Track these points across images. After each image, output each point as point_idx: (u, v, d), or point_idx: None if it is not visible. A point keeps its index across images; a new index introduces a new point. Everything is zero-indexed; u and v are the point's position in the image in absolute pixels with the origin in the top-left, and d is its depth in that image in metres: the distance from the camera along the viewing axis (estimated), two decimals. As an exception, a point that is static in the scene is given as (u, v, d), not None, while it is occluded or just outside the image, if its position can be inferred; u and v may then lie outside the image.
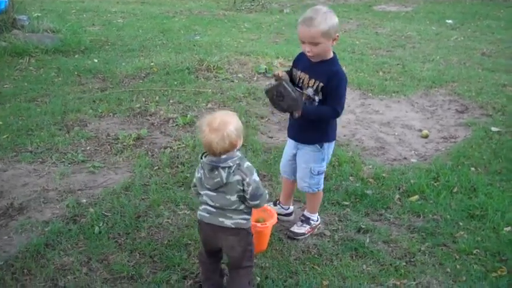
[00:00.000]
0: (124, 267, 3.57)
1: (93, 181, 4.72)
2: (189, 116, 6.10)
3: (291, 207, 4.28)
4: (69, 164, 5.01)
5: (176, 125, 5.95)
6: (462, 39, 10.35)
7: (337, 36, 3.53)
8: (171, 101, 6.61)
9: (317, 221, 4.08)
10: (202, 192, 3.11)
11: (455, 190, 4.64)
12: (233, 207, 3.04)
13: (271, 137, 5.79)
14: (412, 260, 3.72)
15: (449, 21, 12.36)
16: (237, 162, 2.98)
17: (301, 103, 3.57)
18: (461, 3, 15.48)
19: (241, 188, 2.99)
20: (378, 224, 4.17)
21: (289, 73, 3.79)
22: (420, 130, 6.11)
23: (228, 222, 3.07)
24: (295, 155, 3.97)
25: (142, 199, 4.42)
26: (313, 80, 3.62)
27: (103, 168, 5.00)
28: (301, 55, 3.75)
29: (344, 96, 3.68)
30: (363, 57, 9.02)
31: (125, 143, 5.46)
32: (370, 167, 5.12)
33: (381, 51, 9.66)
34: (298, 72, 3.73)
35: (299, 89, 3.69)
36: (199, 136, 2.93)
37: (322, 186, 3.98)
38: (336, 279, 3.51)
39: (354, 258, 3.73)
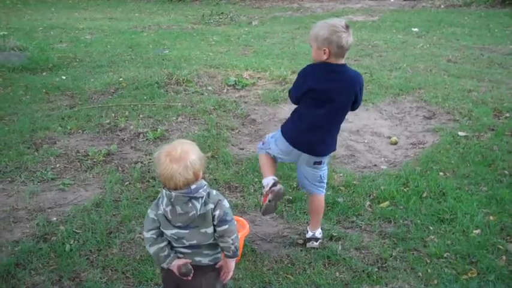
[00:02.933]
0: (96, 284, 3.54)
1: (63, 198, 4.68)
2: (159, 130, 6.08)
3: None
4: (38, 182, 4.96)
5: (146, 139, 5.93)
6: (428, 47, 10.51)
7: (325, 50, 3.49)
8: (141, 116, 6.58)
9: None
10: (169, 233, 2.71)
11: (424, 195, 4.71)
12: (210, 241, 2.74)
13: (242, 149, 5.80)
14: (384, 265, 3.76)
15: (415, 29, 12.55)
16: (207, 190, 2.70)
17: None
18: (427, 11, 15.73)
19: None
20: (350, 231, 4.21)
21: None
22: (389, 137, 6.19)
23: (205, 261, 2.78)
24: None
25: (114, 215, 4.40)
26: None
27: (73, 185, 4.96)
28: None
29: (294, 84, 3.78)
30: (331, 67, 9.08)
31: (94, 159, 5.42)
32: (341, 175, 5.17)
33: (349, 60, 9.73)
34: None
35: None
36: (157, 169, 2.62)
37: (267, 142, 4.00)
38: (309, 287, 3.53)
39: (326, 266, 3.75)
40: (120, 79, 8.03)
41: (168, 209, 2.64)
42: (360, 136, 6.24)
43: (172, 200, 2.61)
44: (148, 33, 12.51)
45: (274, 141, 3.88)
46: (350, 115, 6.79)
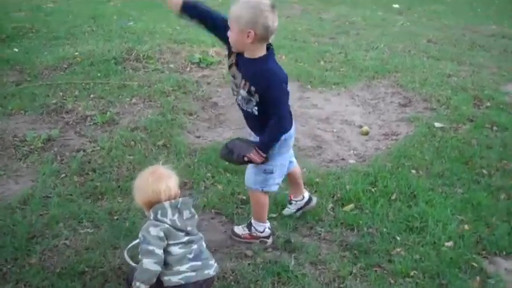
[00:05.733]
0: (3, 304, 3.03)
1: (-13, 193, 4.14)
2: (108, 113, 5.52)
3: (305, 195, 3.96)
4: (-38, 172, 4.41)
5: (94, 123, 5.37)
6: (408, 25, 10.00)
7: (249, 33, 3.05)
8: (91, 96, 6.01)
9: (262, 232, 3.65)
10: (181, 241, 2.75)
11: (393, 197, 4.24)
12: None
13: (199, 137, 5.27)
14: (341, 285, 3.29)
15: (396, 5, 12.02)
16: None
17: (249, 146, 3.34)
18: (410, -13, 15.18)
19: None
20: (307, 240, 3.72)
21: (222, 18, 3.30)
22: (360, 126, 5.70)
23: (211, 271, 2.84)
24: None
25: (41, 215, 3.86)
26: (244, 81, 3.22)
27: (2, 176, 4.41)
28: None
29: (282, 100, 3.22)
30: (304, 45, 8.55)
31: (32, 146, 4.86)
32: (304, 170, 4.65)
33: (324, 38, 9.21)
34: (234, 66, 3.32)
35: (235, 85, 3.35)
36: (147, 191, 2.78)
37: (272, 188, 3.57)
38: (252, 313, 3.05)
39: (275, 285, 3.26)
40: (76, 53, 7.40)
41: (176, 217, 2.74)
42: (329, 124, 5.73)
43: (179, 206, 2.76)
44: (115, 2, 11.82)
45: (279, 156, 3.46)
46: (320, 100, 6.34)
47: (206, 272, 2.78)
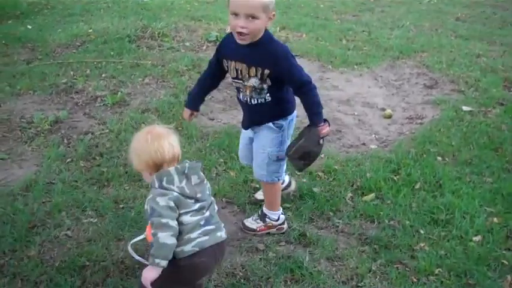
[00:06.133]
0: (-2, 301, 2.85)
1: (-11, 178, 3.96)
2: (119, 94, 5.30)
3: (285, 178, 3.71)
4: (-36, 156, 4.23)
5: (104, 104, 5.17)
6: (435, 2, 9.60)
7: (274, 15, 2.93)
8: (103, 75, 5.80)
9: (277, 220, 3.44)
10: (192, 209, 2.44)
11: (417, 186, 3.96)
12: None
13: (212, 119, 5.03)
14: (359, 284, 3.03)
15: (423, -19, 11.56)
16: None
17: (307, 136, 3.12)
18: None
19: None
20: (324, 232, 3.47)
21: (213, 66, 3.27)
22: (383, 109, 5.40)
23: (223, 233, 2.58)
24: (252, 139, 3.34)
25: (43, 202, 3.67)
26: (254, 69, 2.99)
27: (6, 160, 4.23)
28: (226, 41, 3.16)
29: (300, 68, 3.03)
30: (326, 23, 8.22)
31: (39, 128, 4.68)
32: (322, 156, 4.39)
33: (347, 15, 8.87)
34: (232, 63, 3.08)
35: (241, 81, 3.10)
36: (145, 153, 2.45)
37: (283, 176, 3.41)
38: (262, 314, 2.83)
39: (288, 283, 3.02)
40: (90, 30, 7.22)
41: (184, 183, 2.43)
42: (350, 107, 5.45)
43: (186, 171, 2.45)
44: (133, -22, 11.55)
45: (288, 140, 3.28)
46: (341, 81, 6.05)
47: (218, 234, 2.52)
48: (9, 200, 3.67)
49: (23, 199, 3.68)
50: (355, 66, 6.34)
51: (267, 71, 2.94)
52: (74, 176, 3.98)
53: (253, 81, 3.01)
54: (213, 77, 3.33)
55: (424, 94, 5.71)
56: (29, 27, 7.61)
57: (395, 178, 4.05)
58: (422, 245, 3.35)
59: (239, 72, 3.05)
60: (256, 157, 3.28)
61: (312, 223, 3.56)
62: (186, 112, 3.43)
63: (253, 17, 2.83)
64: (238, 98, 3.24)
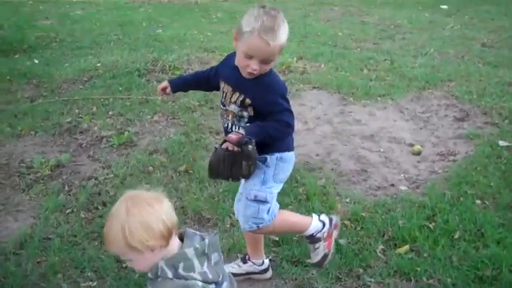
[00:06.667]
0: None
1: (-20, 235, 3.59)
2: (126, 133, 4.94)
3: (265, 261, 3.16)
4: (-44, 207, 3.88)
5: (110, 145, 4.81)
6: (459, 28, 9.19)
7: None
8: (110, 113, 5.46)
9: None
10: None
11: (456, 236, 3.51)
12: None
13: (226, 160, 4.62)
14: None
15: (444, 6, 11.20)
16: None
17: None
18: (456, -15, 14.31)
19: None
20: (354, 295, 3.04)
21: (213, 74, 2.88)
22: (411, 144, 4.97)
23: None
24: None
25: (38, 262, 3.28)
26: (237, 94, 2.62)
27: (1, 212, 3.86)
28: (228, 61, 2.74)
29: (286, 107, 2.61)
30: (345, 52, 7.84)
31: (38, 174, 4.32)
32: (347, 200, 4.00)
33: (367, 43, 8.48)
34: (223, 84, 2.72)
35: (224, 107, 2.75)
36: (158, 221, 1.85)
37: (267, 221, 2.75)
38: None
39: None
40: (98, 64, 6.91)
41: (205, 267, 1.89)
42: (375, 143, 5.03)
43: (206, 250, 1.90)
44: (146, 8, 11.35)
45: (274, 181, 2.77)
46: (364, 115, 5.65)
47: None
48: (0, 260, 3.29)
49: (16, 258, 3.30)
50: (378, 98, 5.93)
51: (248, 100, 2.58)
52: (73, 229, 3.60)
53: (233, 107, 2.65)
54: (208, 79, 2.93)
55: (455, 127, 5.28)
56: (36, 61, 7.33)
57: (431, 226, 3.61)
58: (468, 310, 2.90)
59: (224, 95, 2.70)
60: (240, 204, 2.87)
61: (339, 283, 3.13)
62: (164, 84, 2.99)
63: (268, 62, 2.50)
64: (223, 127, 2.83)
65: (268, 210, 2.74)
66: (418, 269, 3.21)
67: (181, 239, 1.95)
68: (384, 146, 4.97)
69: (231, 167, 2.59)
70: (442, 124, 5.38)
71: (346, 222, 3.67)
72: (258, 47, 2.43)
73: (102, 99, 5.76)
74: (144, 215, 1.83)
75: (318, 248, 2.98)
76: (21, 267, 3.21)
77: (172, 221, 1.88)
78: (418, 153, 4.82)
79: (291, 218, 3.00)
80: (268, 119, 2.58)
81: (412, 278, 3.16)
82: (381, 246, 3.44)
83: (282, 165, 2.75)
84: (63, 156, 4.56)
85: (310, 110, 5.61)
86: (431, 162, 4.69)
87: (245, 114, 2.63)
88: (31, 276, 3.13)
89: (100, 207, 3.85)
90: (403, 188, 4.26)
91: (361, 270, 3.22)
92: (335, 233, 3.05)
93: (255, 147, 2.54)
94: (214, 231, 2.08)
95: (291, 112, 2.61)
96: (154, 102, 5.67)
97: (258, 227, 2.75)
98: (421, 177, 4.43)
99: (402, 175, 4.48)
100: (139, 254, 1.83)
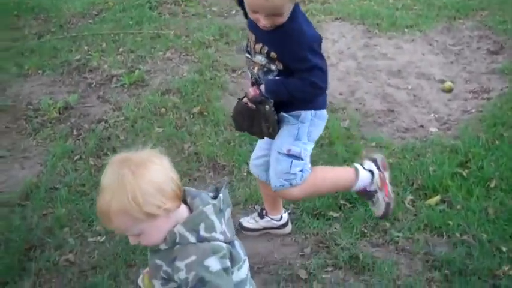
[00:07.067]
0: None
1: (-17, 184, 3.41)
2: (137, 72, 4.67)
3: (284, 215, 2.92)
4: (-42, 155, 3.69)
5: (120, 85, 4.56)
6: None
7: None
8: (120, 50, 5.17)
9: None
10: (243, 258, 1.74)
11: (492, 185, 3.24)
12: None
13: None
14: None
15: None
16: None
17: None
18: None
19: None
20: (380, 252, 2.81)
21: None
22: (442, 81, 4.63)
23: None
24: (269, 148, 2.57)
25: (44, 215, 3.10)
26: (260, 44, 2.30)
27: (7, 159, 3.68)
28: None
29: (314, 64, 2.24)
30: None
31: (46, 117, 4.13)
32: (373, 145, 3.73)
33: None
34: (247, 29, 2.39)
35: (249, 56, 2.41)
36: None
37: (300, 178, 2.45)
38: None
39: (339, 328, 2.40)
40: (108, -4, 6.53)
41: (224, 225, 1.66)
42: (402, 79, 4.69)
43: (222, 206, 1.67)
44: None
45: (308, 139, 2.47)
46: (390, 48, 5.29)
47: None
48: (5, 213, 3.11)
49: (21, 211, 3.13)
50: (405, 30, 5.53)
51: (273, 54, 2.27)
52: (81, 178, 3.40)
53: (259, 59, 2.33)
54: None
55: (488, 61, 4.90)
56: (45, -7, 6.96)
57: (464, 174, 3.34)
58: (506, 268, 2.66)
59: (249, 42, 2.39)
60: (270, 160, 2.53)
61: (365, 238, 2.90)
62: None
63: (276, 15, 2.13)
64: (250, 81, 2.49)
65: (302, 168, 2.45)
66: (451, 222, 2.96)
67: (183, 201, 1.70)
68: (412, 82, 4.64)
69: (252, 122, 2.33)
70: (475, 58, 4.99)
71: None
72: (256, 2, 2.10)
73: (111, 35, 5.45)
74: (154, 175, 1.57)
75: (376, 200, 2.69)
76: (27, 221, 3.04)
77: (178, 178, 1.64)
78: (449, 91, 4.49)
79: (330, 173, 2.67)
80: (295, 75, 2.27)
81: (444, 233, 2.92)
82: (409, 197, 3.19)
83: (317, 122, 2.45)
84: (72, 97, 4.32)
85: (333, 44, 5.25)
86: (464, 100, 4.37)
87: (273, 67, 2.31)
88: (36, 230, 2.97)
89: (109, 153, 3.63)
90: (433, 129, 3.97)
91: (388, 224, 2.98)
92: (387, 175, 2.70)
93: (272, 108, 2.28)
94: (223, 182, 1.81)
95: (321, 69, 2.25)
96: (167, 37, 5.35)
97: (290, 184, 2.45)
98: (452, 118, 4.12)
99: (432, 115, 4.18)
100: (153, 221, 1.57)
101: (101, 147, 3.71)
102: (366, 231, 2.94)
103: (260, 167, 2.69)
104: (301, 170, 2.44)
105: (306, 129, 2.43)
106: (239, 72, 4.73)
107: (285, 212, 2.93)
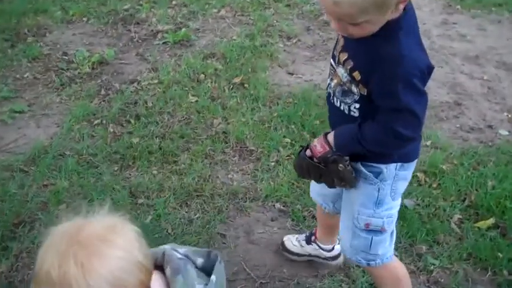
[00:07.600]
0: None
1: (-4, 140, 3.19)
2: (184, 30, 4.30)
3: (337, 247, 2.43)
4: (-25, 105, 3.48)
5: (163, 42, 4.20)
6: None
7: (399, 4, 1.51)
8: (173, 2, 4.80)
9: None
10: None
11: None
12: None
13: (291, 73, 3.91)
14: None
15: None
16: None
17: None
18: None
19: None
20: (414, 276, 2.37)
21: None
22: (525, 73, 4.01)
23: None
24: None
25: (44, 185, 2.84)
26: (345, 55, 1.72)
27: (25, 114, 3.43)
28: None
29: (405, 106, 1.60)
30: None
31: (77, 71, 3.84)
32: (428, 144, 3.23)
33: None
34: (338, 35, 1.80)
35: (333, 62, 1.81)
36: None
37: (388, 257, 2.00)
38: None
39: None
40: None
41: None
42: (479, 67, 4.09)
43: None
44: None
45: (392, 198, 1.89)
46: (471, 29, 4.67)
47: None
48: (5, 177, 2.86)
49: (22, 178, 2.86)
50: (492, 9, 4.85)
51: (357, 74, 1.67)
52: (94, 146, 3.11)
53: (341, 72, 1.74)
54: None
55: None
56: None
57: (529, 195, 2.81)
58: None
59: (337, 45, 1.80)
60: (342, 212, 2.03)
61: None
62: None
63: (353, 23, 1.53)
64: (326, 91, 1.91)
65: (385, 242, 1.95)
66: (500, 255, 2.48)
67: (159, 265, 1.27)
68: (490, 72, 4.04)
69: (320, 177, 1.85)
70: None
71: (419, 174, 2.93)
72: (324, 3, 1.53)
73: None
74: (109, 267, 1.07)
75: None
76: (23, 190, 2.78)
77: (149, 255, 1.16)
78: (531, 86, 3.88)
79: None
80: (376, 115, 1.68)
81: (489, 268, 2.44)
82: (457, 215, 2.71)
83: (403, 174, 1.87)
84: (108, 51, 4.01)
85: (406, 17, 4.67)
86: (546, 99, 3.75)
87: (355, 90, 1.70)
88: (31, 203, 2.70)
89: (132, 121, 3.32)
90: (503, 132, 3.41)
91: (424, 248, 2.53)
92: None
93: (348, 167, 1.76)
94: (216, 255, 1.28)
95: (413, 113, 1.62)
96: (225, -7, 4.93)
97: (368, 264, 1.99)
98: (529, 120, 3.55)
99: (505, 114, 3.60)
100: None
101: (125, 112, 3.40)
102: (396, 253, 2.49)
103: (325, 197, 2.16)
104: (384, 246, 1.94)
105: (389, 188, 1.86)
106: (294, 41, 4.27)
107: (338, 243, 2.39)
